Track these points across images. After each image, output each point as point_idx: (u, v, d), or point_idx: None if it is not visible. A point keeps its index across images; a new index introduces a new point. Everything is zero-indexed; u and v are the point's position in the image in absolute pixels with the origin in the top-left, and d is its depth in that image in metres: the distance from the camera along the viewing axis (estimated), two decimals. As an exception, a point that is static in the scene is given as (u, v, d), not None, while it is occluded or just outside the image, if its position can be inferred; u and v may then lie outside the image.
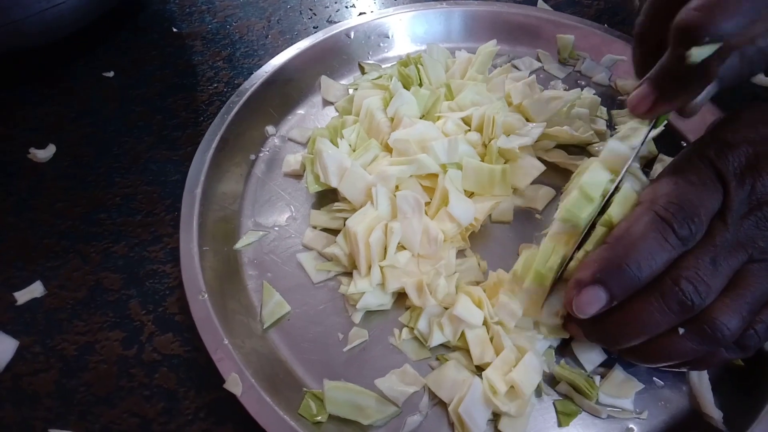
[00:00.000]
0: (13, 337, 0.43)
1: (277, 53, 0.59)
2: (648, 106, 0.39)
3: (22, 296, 0.45)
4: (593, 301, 0.35)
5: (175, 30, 0.67)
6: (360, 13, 0.69)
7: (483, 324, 0.42)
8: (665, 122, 0.45)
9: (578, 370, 0.41)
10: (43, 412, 0.40)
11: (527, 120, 0.52)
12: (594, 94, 0.57)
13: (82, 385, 0.41)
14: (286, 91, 0.58)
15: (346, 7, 0.70)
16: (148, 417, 0.40)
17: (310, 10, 0.70)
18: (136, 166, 0.54)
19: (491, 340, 0.41)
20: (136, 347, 0.43)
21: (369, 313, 0.44)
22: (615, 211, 0.38)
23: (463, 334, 0.42)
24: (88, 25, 0.60)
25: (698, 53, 0.34)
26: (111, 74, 0.62)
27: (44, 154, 0.54)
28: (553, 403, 0.40)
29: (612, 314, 0.36)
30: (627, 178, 0.40)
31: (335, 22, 0.68)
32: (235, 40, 0.66)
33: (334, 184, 0.47)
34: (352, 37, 0.62)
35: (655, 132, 0.45)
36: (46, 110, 0.58)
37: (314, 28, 0.67)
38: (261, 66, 0.58)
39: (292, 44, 0.60)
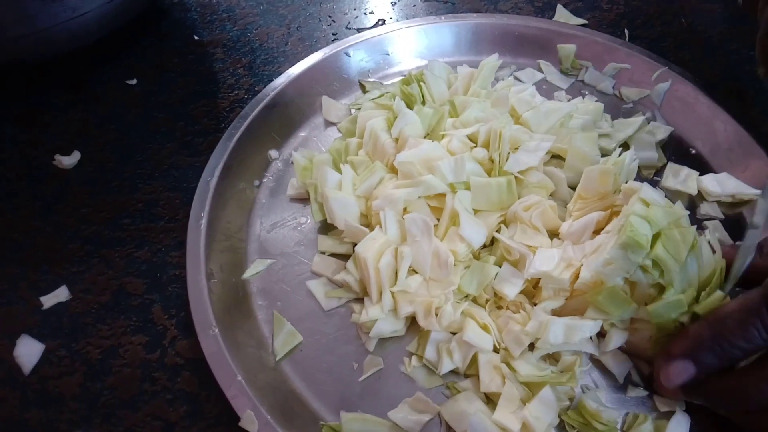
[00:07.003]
0: (39, 341, 0.44)
1: (297, 60, 0.60)
2: None
3: (48, 300, 0.46)
4: (681, 374, 0.36)
5: (196, 38, 0.68)
6: (379, 20, 0.69)
7: (493, 350, 0.41)
8: None
9: (597, 413, 0.38)
10: (68, 415, 0.41)
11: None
12: (596, 101, 0.56)
13: (106, 388, 0.42)
14: (288, 114, 0.57)
15: (365, 13, 0.70)
16: (171, 420, 0.41)
17: (329, 17, 0.70)
18: (158, 172, 0.55)
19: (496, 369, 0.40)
20: (159, 351, 0.44)
21: (383, 340, 0.43)
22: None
23: (473, 360, 0.41)
24: (111, 34, 0.61)
25: None
26: (134, 81, 0.63)
27: (69, 160, 0.55)
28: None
29: (714, 382, 0.36)
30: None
31: (354, 29, 0.68)
32: (255, 48, 0.67)
33: (341, 226, 0.46)
34: (351, 55, 0.61)
35: None
36: (71, 116, 0.59)
37: (333, 35, 0.68)
38: (281, 73, 0.59)
39: (311, 51, 0.61)
